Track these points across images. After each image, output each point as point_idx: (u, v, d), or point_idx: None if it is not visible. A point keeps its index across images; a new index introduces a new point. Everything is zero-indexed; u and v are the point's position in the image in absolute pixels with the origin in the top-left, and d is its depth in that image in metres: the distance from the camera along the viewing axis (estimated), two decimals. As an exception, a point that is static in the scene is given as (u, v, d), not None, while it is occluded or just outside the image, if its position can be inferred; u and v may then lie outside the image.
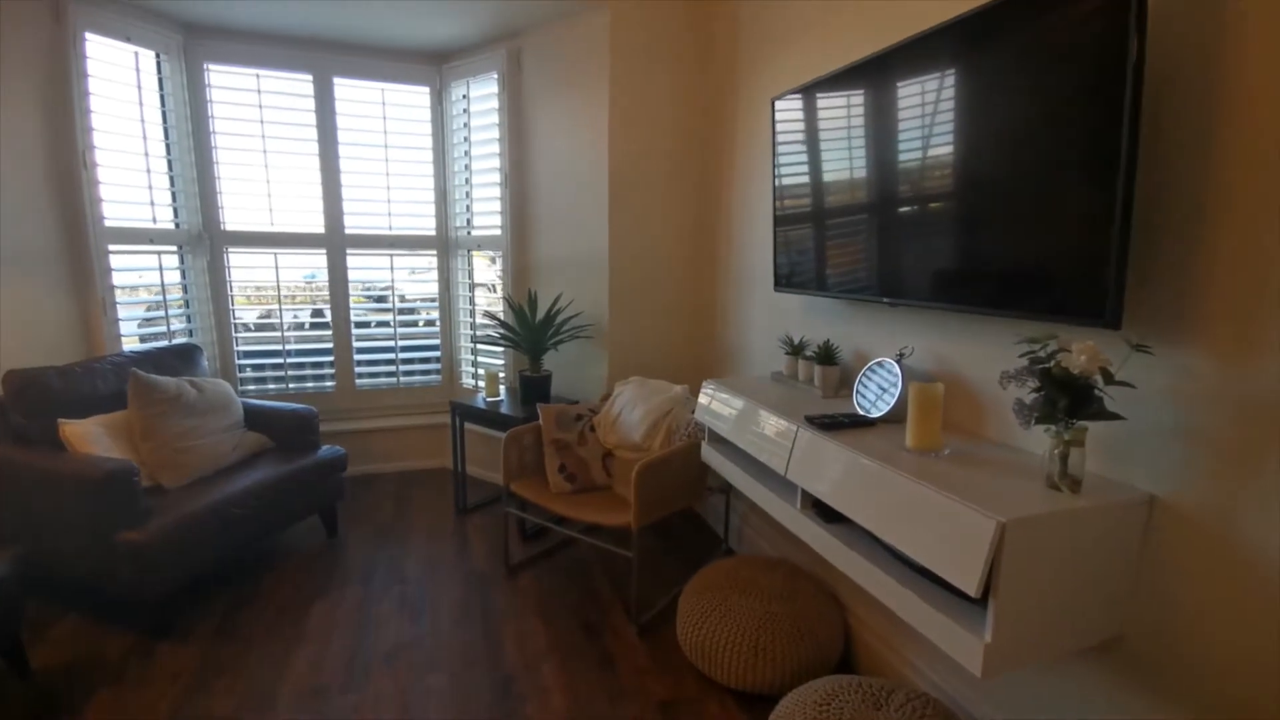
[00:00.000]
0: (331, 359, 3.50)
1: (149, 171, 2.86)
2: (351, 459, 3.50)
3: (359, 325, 3.56)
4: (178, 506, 2.15)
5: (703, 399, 2.14)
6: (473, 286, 3.55)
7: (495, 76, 3.18)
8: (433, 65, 3.39)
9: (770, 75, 2.38)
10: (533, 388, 2.92)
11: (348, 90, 3.29)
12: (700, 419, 2.16)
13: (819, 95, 1.85)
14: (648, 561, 2.60)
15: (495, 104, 3.20)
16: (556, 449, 2.51)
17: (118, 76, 2.71)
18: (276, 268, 3.31)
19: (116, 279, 2.80)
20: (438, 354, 3.69)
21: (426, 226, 3.55)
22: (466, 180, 3.44)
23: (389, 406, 3.65)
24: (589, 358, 3.01)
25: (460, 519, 3.05)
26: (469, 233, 3.51)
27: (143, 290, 3.00)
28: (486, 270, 3.55)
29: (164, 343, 2.88)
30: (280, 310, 3.38)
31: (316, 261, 3.43)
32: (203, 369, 2.77)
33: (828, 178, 1.85)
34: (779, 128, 2.05)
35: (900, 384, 1.57)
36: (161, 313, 3.00)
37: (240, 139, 3.16)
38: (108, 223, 2.73)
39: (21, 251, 2.45)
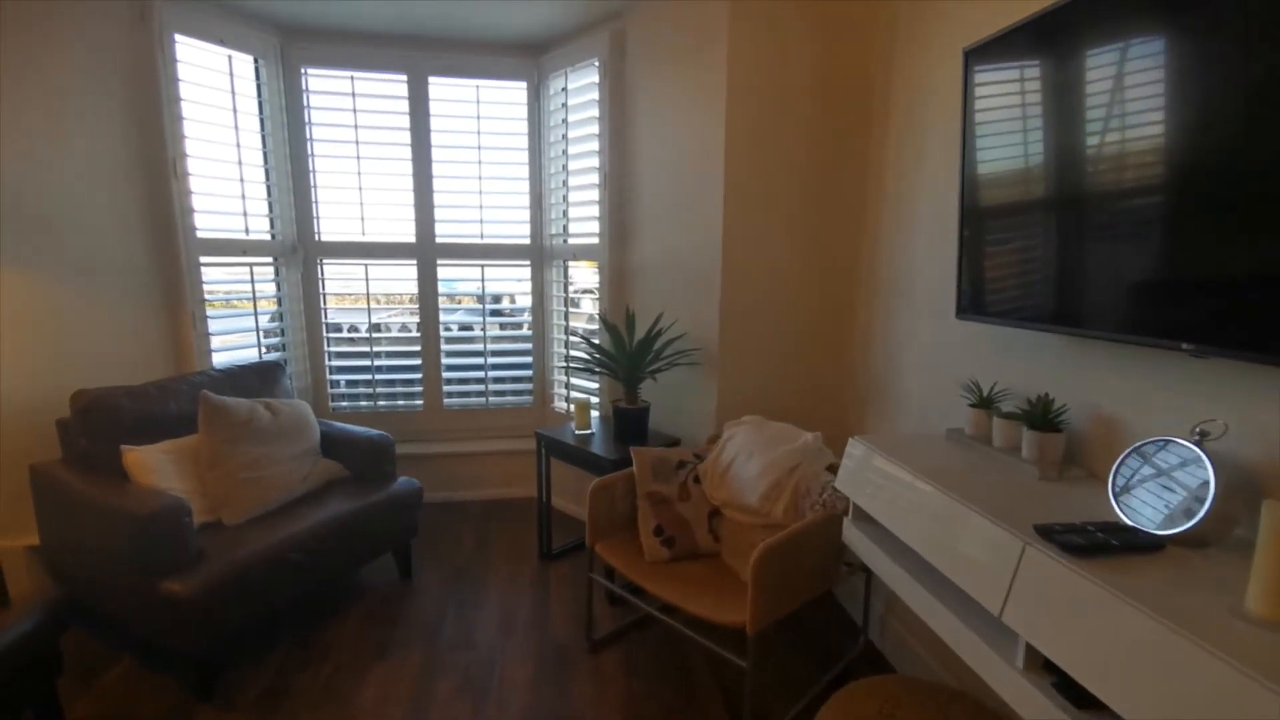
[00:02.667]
0: (420, 376, 3.28)
1: (242, 181, 2.75)
2: (437, 484, 3.25)
3: (449, 341, 3.32)
4: (231, 550, 1.92)
5: (848, 462, 1.59)
6: (567, 301, 3.19)
7: (596, 64, 2.80)
8: (530, 58, 3.08)
9: (951, 24, 1.79)
10: (627, 422, 2.48)
11: (442, 90, 3.05)
12: (842, 487, 1.61)
13: (1062, 28, 1.25)
14: (764, 651, 2.07)
15: (595, 94, 2.82)
16: (652, 505, 2.05)
17: (210, 81, 2.61)
18: (367, 279, 3.14)
19: (207, 292, 2.70)
20: (530, 374, 3.37)
21: (520, 235, 3.25)
22: (563, 183, 3.10)
23: (477, 429, 3.38)
24: (694, 389, 2.53)
25: (543, 565, 2.68)
26: (565, 241, 3.15)
27: (234, 304, 2.91)
28: (585, 282, 3.18)
29: (247, 360, 2.75)
30: (369, 325, 3.20)
31: (406, 273, 3.22)
32: (284, 388, 2.60)
33: (1087, 144, 1.24)
34: (980, 90, 1.46)
35: (1210, 483, 0.95)
36: (253, 327, 2.89)
37: (334, 145, 3.01)
38: (200, 234, 2.63)
39: (109, 262, 2.38)
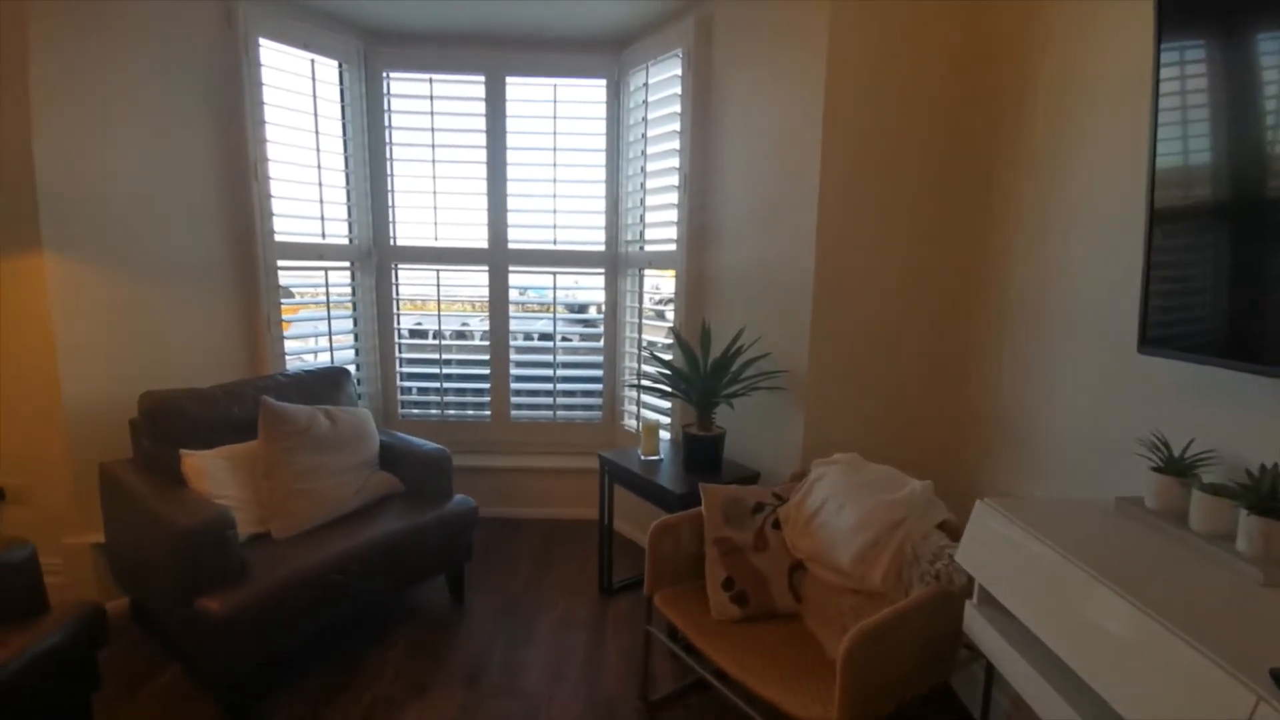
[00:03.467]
0: (488, 386, 3.16)
1: (321, 185, 2.74)
2: (499, 499, 3.12)
3: (519, 351, 3.19)
4: (276, 567, 1.83)
5: (976, 531, 1.24)
6: (641, 311, 2.97)
7: (680, 54, 2.56)
8: (610, 54, 2.90)
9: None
10: (699, 451, 2.21)
11: (519, 90, 2.93)
12: (965, 562, 1.26)
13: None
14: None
15: (678, 88, 2.59)
16: (722, 553, 1.77)
17: (292, 85, 2.61)
18: (438, 285, 3.06)
19: (283, 296, 2.70)
20: (599, 388, 3.18)
21: (594, 241, 3.06)
22: (640, 185, 2.88)
23: (543, 443, 3.22)
24: (777, 417, 2.22)
25: (602, 601, 2.45)
26: (640, 248, 2.94)
27: (309, 308, 2.92)
28: (667, 291, 2.94)
29: (317, 365, 2.73)
30: (440, 332, 3.13)
31: (477, 279, 3.12)
32: (349, 395, 2.54)
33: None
34: (1187, 55, 1.09)
35: None
36: (326, 331, 2.87)
37: (411, 149, 2.96)
38: (278, 237, 2.63)
39: (190, 263, 2.41)
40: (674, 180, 2.64)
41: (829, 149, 1.98)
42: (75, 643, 1.48)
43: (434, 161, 2.95)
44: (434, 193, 2.97)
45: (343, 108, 2.86)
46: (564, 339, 3.22)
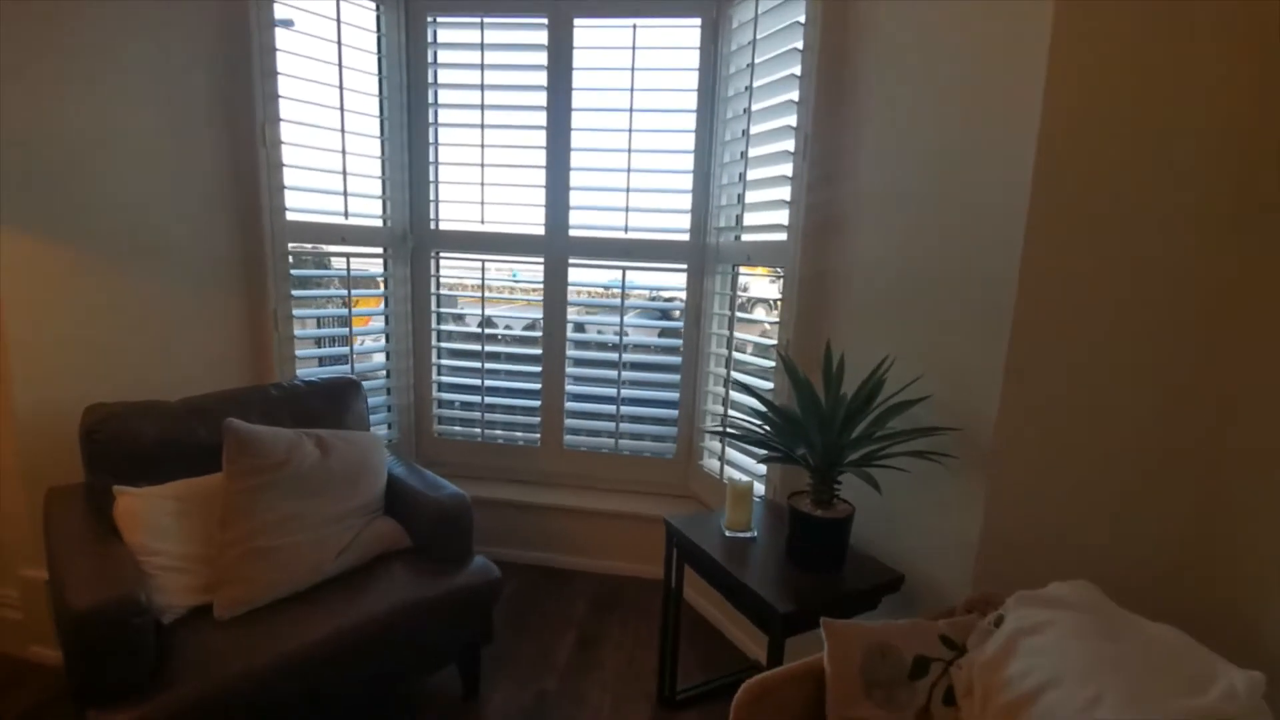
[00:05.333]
0: (539, 404, 2.58)
1: (345, 153, 2.25)
2: (544, 543, 2.53)
3: (575, 364, 2.58)
4: (208, 666, 1.31)
5: None
6: (733, 322, 2.28)
7: (806, -32, 1.84)
8: (710, -18, 2.22)
9: None
10: (813, 536, 1.50)
11: (589, 35, 2.31)
12: None
13: None
14: None
15: (800, 16, 1.87)
16: (857, 745, 1.06)
17: (314, 28, 2.12)
18: (483, 278, 2.51)
19: (294, 287, 2.24)
20: (674, 414, 2.51)
21: (676, 228, 2.40)
22: (741, 154, 2.19)
23: (602, 479, 2.60)
24: (933, 492, 1.47)
25: (662, 716, 1.80)
26: (737, 238, 2.24)
27: (325, 303, 2.45)
28: (751, 289, 2.24)
29: (324, 374, 2.24)
30: (484, 335, 2.58)
31: (530, 273, 2.54)
32: (356, 414, 2.02)
33: None
34: None
35: None
36: (345, 330, 2.39)
37: (458, 111, 2.42)
38: (290, 216, 2.16)
39: (176, 243, 1.96)
40: (788, 144, 1.92)
41: (1056, 86, 1.20)
42: None
43: (483, 126, 2.39)
44: (482, 165, 2.42)
45: (380, 60, 2.35)
46: (633, 352, 2.58)
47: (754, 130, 2.09)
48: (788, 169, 1.92)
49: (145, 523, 1.49)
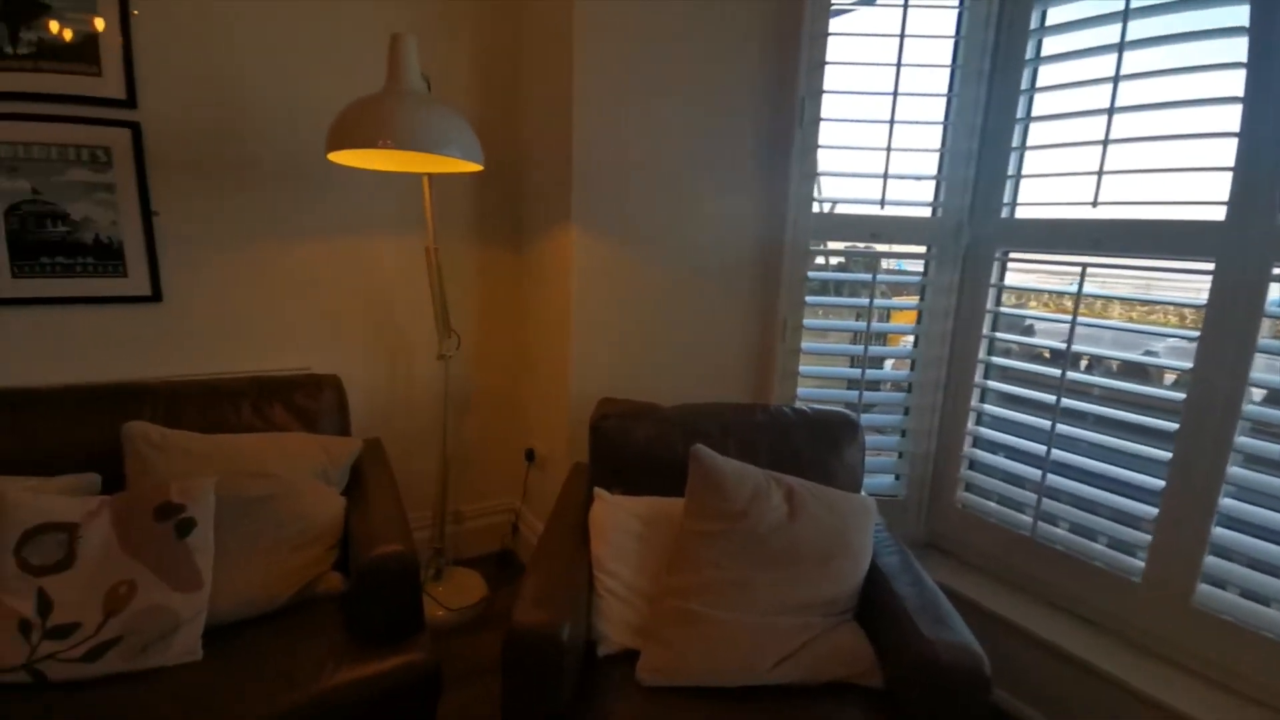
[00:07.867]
0: (1156, 511, 1.50)
1: (892, 123, 1.74)
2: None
3: (1249, 461, 1.36)
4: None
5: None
6: None
7: None
8: None
9: None
10: None
11: None
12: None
13: None
14: None
15: None
16: None
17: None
18: (1079, 291, 1.59)
19: (812, 293, 1.89)
20: None
21: None
22: None
23: (1256, 681, 1.32)
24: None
25: None
26: None
27: (836, 313, 2.00)
28: None
29: (818, 395, 1.80)
30: (1063, 374, 1.64)
31: (1182, 288, 1.47)
32: (846, 462, 1.52)
33: None
34: None
35: None
36: (859, 349, 1.90)
37: (1067, 35, 1.57)
38: (815, 207, 1.81)
39: (705, 241, 1.86)
40: None
41: None
42: None
43: (1123, 47, 1.46)
44: (1110, 109, 1.50)
45: (961, 14, 1.73)
46: None
47: None
48: None
49: (610, 538, 1.39)
